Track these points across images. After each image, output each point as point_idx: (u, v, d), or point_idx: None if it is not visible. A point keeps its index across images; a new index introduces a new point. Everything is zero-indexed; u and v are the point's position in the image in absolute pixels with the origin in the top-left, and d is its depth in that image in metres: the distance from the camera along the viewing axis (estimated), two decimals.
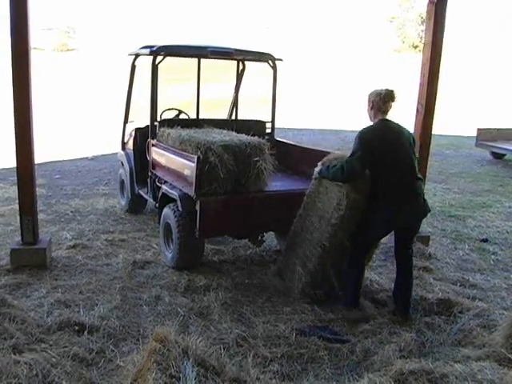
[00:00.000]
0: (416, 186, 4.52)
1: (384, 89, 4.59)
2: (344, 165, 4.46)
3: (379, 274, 5.73)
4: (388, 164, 4.42)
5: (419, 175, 4.62)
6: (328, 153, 5.28)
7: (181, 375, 2.90)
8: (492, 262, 6.41)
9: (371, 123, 4.65)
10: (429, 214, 8.11)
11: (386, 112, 4.60)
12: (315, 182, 5.00)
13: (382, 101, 4.54)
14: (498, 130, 14.38)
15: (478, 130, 14.17)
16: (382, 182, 4.44)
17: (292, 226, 5.34)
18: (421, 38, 35.36)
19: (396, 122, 4.65)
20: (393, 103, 4.61)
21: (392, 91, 4.58)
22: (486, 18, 40.77)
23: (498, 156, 14.22)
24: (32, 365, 3.42)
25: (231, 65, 7.71)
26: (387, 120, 4.60)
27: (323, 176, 4.75)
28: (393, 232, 4.81)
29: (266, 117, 7.22)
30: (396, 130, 4.57)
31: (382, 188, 4.44)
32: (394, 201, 4.42)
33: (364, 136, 4.49)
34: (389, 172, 4.42)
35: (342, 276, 4.99)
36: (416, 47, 40.69)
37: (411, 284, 4.83)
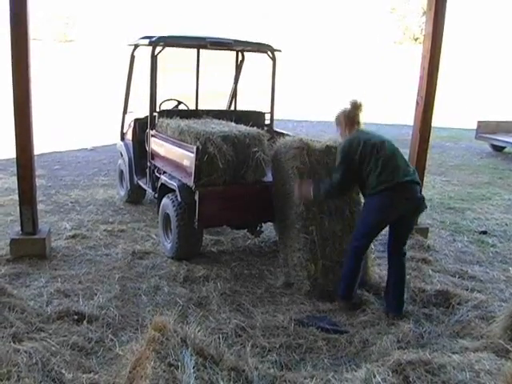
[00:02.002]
0: (410, 174, 4.46)
1: (348, 104, 4.68)
2: (331, 180, 4.58)
3: (378, 265, 5.73)
4: (375, 158, 4.40)
5: (412, 167, 4.61)
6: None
7: (179, 364, 2.91)
8: (491, 254, 6.42)
9: None
10: (428, 206, 8.18)
11: (358, 123, 4.66)
12: (272, 167, 5.37)
13: (347, 116, 4.65)
14: (497, 122, 14.36)
15: (478, 122, 14.15)
16: (374, 176, 4.40)
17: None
18: (422, 29, 35.24)
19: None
20: (361, 113, 4.67)
21: (356, 100, 4.67)
22: (486, 9, 40.63)
23: (498, 148, 14.21)
24: (32, 353, 3.43)
25: (230, 55, 7.69)
26: (363, 130, 4.66)
27: (317, 197, 4.74)
28: (387, 228, 4.76)
29: (265, 108, 7.20)
30: (374, 133, 4.64)
31: (375, 180, 4.40)
32: (388, 189, 4.37)
33: (343, 147, 4.55)
34: (378, 166, 4.38)
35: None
36: (417, 39, 40.57)
37: (404, 283, 4.73)
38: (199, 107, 7.35)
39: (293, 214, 5.10)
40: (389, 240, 4.79)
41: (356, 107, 4.66)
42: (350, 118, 4.65)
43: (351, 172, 4.49)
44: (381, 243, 6.44)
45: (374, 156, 4.40)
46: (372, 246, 6.25)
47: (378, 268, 5.61)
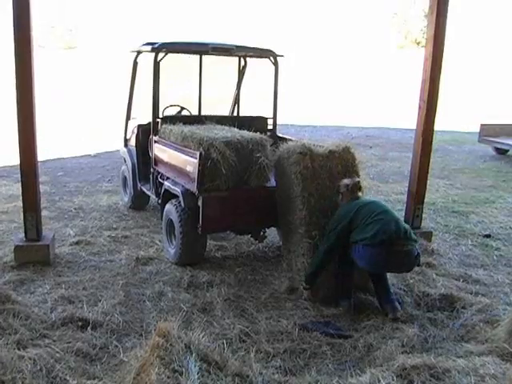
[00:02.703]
0: (406, 229, 4.58)
1: (350, 180, 4.93)
2: (321, 248, 4.74)
3: None
4: (365, 217, 4.55)
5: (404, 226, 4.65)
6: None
7: (183, 370, 2.92)
8: (495, 257, 6.40)
9: None
10: (432, 210, 8.17)
11: (357, 198, 4.88)
12: (275, 173, 5.50)
13: (351, 189, 4.87)
14: (501, 125, 14.34)
15: (481, 125, 14.12)
16: (370, 226, 4.48)
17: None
18: (424, 33, 35.24)
19: None
20: (360, 193, 4.92)
21: (358, 181, 4.92)
22: (488, 12, 40.64)
23: (501, 151, 14.17)
24: (36, 360, 3.44)
25: (233, 61, 7.71)
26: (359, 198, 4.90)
27: (311, 272, 4.84)
28: None
29: (267, 113, 7.21)
30: (367, 198, 4.99)
31: (371, 230, 4.45)
32: (385, 243, 4.42)
33: (338, 216, 4.74)
34: (368, 225, 4.49)
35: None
36: (419, 43, 40.55)
37: (386, 280, 4.84)
38: (202, 113, 7.37)
39: (296, 219, 5.10)
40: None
41: (355, 187, 4.90)
42: (348, 190, 4.89)
43: (340, 240, 4.64)
44: None
45: (365, 212, 4.58)
46: None
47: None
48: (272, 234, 6.65)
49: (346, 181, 4.95)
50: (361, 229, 4.50)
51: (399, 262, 4.57)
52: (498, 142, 13.81)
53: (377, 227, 4.42)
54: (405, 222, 6.65)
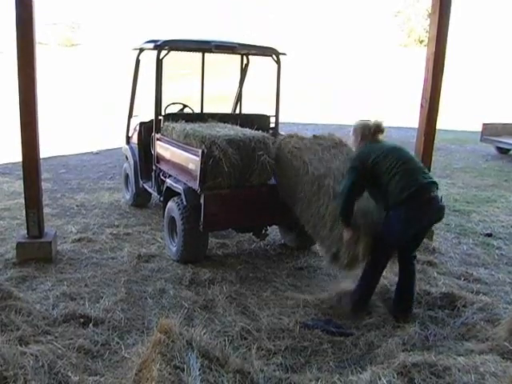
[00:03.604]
0: (430, 177, 4.41)
1: (373, 121, 4.60)
2: (341, 189, 4.42)
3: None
4: (392, 164, 4.29)
5: (428, 174, 4.49)
6: None
7: (185, 366, 2.93)
8: (496, 256, 6.41)
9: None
10: None
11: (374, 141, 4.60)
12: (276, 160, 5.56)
13: (370, 134, 4.57)
14: (503, 124, 14.32)
15: (483, 124, 14.12)
16: (394, 182, 4.26)
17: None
18: (427, 32, 35.20)
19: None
20: (381, 135, 4.62)
21: (381, 123, 4.59)
22: (491, 11, 40.54)
23: (503, 151, 14.17)
24: (38, 356, 3.45)
25: (235, 59, 7.71)
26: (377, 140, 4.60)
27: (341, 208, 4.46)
28: None
29: (270, 111, 7.22)
30: (385, 144, 4.54)
31: (396, 187, 4.25)
32: (412, 196, 4.23)
33: (355, 156, 4.56)
34: (397, 171, 4.26)
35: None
36: (422, 42, 40.43)
37: (414, 286, 4.73)
38: (204, 111, 7.37)
39: (307, 191, 5.06)
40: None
41: (378, 129, 4.59)
42: (366, 135, 4.58)
43: (362, 178, 4.36)
44: None
45: (390, 161, 4.30)
46: None
47: (384, 270, 5.59)
48: (273, 232, 6.65)
49: (367, 121, 4.64)
50: (388, 179, 4.26)
51: (432, 211, 4.42)
52: (500, 142, 13.82)
53: (404, 180, 4.23)
54: None
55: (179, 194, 5.67)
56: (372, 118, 4.70)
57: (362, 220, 4.51)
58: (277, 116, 7.20)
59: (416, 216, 4.32)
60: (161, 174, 6.49)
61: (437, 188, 4.43)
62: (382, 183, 4.33)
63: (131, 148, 7.63)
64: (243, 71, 7.84)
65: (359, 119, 4.75)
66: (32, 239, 5.71)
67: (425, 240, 6.30)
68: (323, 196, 4.88)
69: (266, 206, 5.59)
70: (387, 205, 4.36)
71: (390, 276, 5.39)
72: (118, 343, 4.07)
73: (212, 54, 7.06)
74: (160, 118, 6.47)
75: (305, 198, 5.14)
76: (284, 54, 6.93)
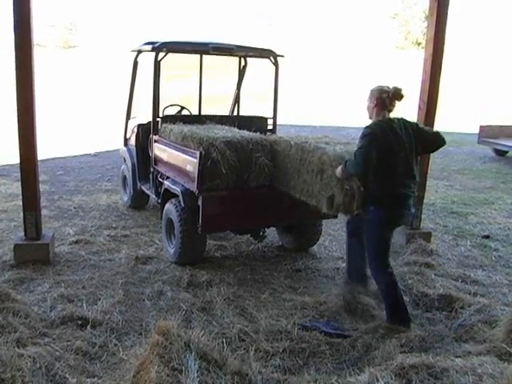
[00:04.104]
0: (409, 189, 4.39)
1: (392, 86, 4.34)
2: (356, 155, 4.20)
3: None
4: (385, 165, 4.24)
5: (415, 175, 4.45)
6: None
7: (183, 368, 2.92)
8: (493, 258, 6.42)
9: (370, 121, 4.43)
10: (431, 211, 8.19)
11: (390, 111, 4.39)
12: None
13: (388, 99, 4.32)
14: (500, 126, 14.37)
15: (481, 126, 14.16)
16: (378, 180, 4.29)
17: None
18: (424, 34, 35.23)
19: (399, 117, 4.45)
20: (397, 102, 4.38)
21: (401, 89, 4.33)
22: (488, 14, 40.65)
23: (501, 153, 14.21)
24: (36, 358, 3.45)
25: (233, 61, 7.71)
26: (390, 120, 4.36)
27: (348, 172, 4.35)
28: None
29: (267, 113, 7.22)
30: (398, 133, 4.29)
31: (382, 188, 4.30)
32: (394, 202, 4.32)
33: (370, 130, 4.25)
34: (385, 172, 4.26)
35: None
36: (419, 44, 40.56)
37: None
38: (202, 112, 7.38)
39: (294, 163, 5.20)
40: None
41: (398, 95, 4.33)
42: (384, 99, 4.33)
43: (371, 155, 4.16)
44: None
45: (392, 158, 4.24)
46: None
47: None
48: (271, 234, 6.66)
49: (383, 86, 4.35)
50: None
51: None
52: (498, 144, 13.85)
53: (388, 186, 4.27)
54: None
55: (177, 195, 5.66)
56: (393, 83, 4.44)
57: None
58: (274, 118, 7.19)
59: (395, 216, 4.48)
60: (159, 176, 6.49)
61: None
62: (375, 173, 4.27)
63: (129, 150, 7.63)
64: (241, 73, 7.85)
65: (377, 84, 4.48)
66: (30, 241, 5.70)
67: (422, 242, 6.36)
68: (307, 155, 5.00)
69: (264, 207, 5.59)
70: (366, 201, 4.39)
71: None
72: (115, 345, 4.07)
73: (210, 56, 7.06)
74: (158, 119, 6.46)
75: (295, 170, 5.20)
76: (282, 55, 6.94)
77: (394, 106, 4.39)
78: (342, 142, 5.15)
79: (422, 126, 4.59)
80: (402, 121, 4.43)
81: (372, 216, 4.39)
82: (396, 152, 4.25)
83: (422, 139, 4.46)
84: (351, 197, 4.44)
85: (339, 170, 4.41)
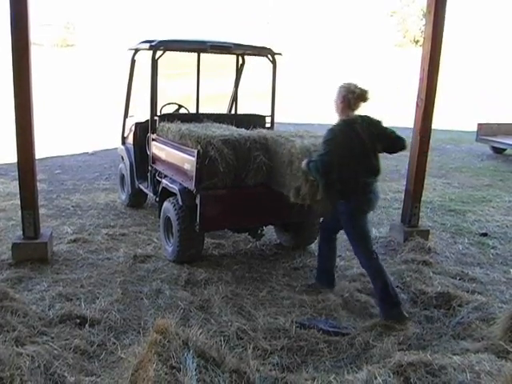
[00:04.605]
0: (370, 179, 4.67)
1: (358, 88, 4.51)
2: (316, 161, 4.49)
3: None
4: (346, 162, 4.46)
5: (377, 171, 4.73)
6: None
7: (181, 366, 2.92)
8: (491, 255, 6.42)
9: (337, 115, 4.67)
10: (429, 208, 8.19)
11: (354, 110, 4.57)
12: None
13: (353, 99, 4.49)
14: (498, 124, 14.38)
15: (479, 124, 14.16)
16: (341, 178, 4.51)
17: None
18: (422, 32, 35.21)
19: (363, 115, 4.61)
20: (362, 103, 4.56)
21: (366, 92, 4.52)
22: (486, 11, 40.65)
23: (499, 151, 14.22)
24: (34, 357, 3.45)
25: (231, 59, 7.71)
26: (353, 121, 4.54)
27: (308, 169, 4.66)
28: None
29: (265, 111, 7.22)
30: (359, 133, 4.49)
31: (340, 184, 4.55)
32: (359, 193, 4.59)
33: (330, 135, 4.51)
34: (347, 171, 4.50)
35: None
36: (417, 42, 40.55)
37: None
38: (200, 111, 7.37)
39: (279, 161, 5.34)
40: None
41: (363, 97, 4.52)
42: (349, 99, 4.51)
43: (334, 157, 4.43)
44: (381, 245, 6.49)
45: (354, 159, 4.49)
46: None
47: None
48: (269, 232, 6.66)
49: (353, 85, 4.53)
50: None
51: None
52: (496, 141, 13.86)
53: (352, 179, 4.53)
54: (402, 220, 6.73)
55: (175, 194, 5.66)
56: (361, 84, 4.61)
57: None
58: (272, 116, 7.20)
59: (363, 206, 4.73)
60: (156, 175, 6.49)
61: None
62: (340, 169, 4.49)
63: (127, 148, 7.62)
64: (239, 71, 7.84)
65: (346, 81, 4.64)
66: (28, 240, 5.70)
67: (420, 240, 6.37)
68: (279, 147, 5.31)
69: (261, 206, 5.59)
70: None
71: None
72: (114, 343, 4.07)
73: (207, 54, 7.06)
74: (155, 118, 6.46)
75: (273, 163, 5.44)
76: (279, 54, 6.94)
77: (358, 106, 4.56)
78: (316, 136, 5.37)
79: (385, 126, 4.72)
80: (366, 119, 4.60)
81: (343, 209, 4.66)
82: (357, 153, 4.48)
83: (383, 139, 4.64)
84: (316, 187, 4.78)
85: (304, 164, 4.71)
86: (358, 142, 4.47)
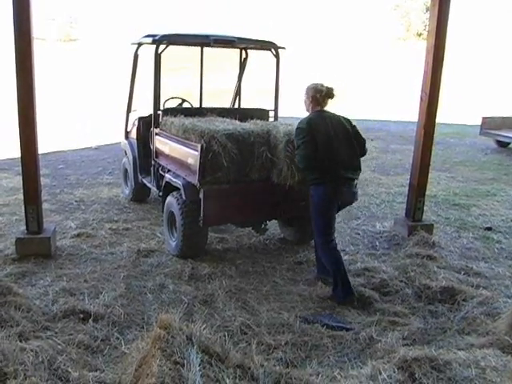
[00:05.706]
0: (347, 172, 4.85)
1: (324, 86, 4.96)
2: (298, 158, 4.86)
3: (383, 261, 5.74)
4: (323, 151, 4.73)
5: (356, 167, 4.96)
6: None
7: (185, 361, 2.91)
8: (496, 250, 6.40)
9: (307, 113, 5.08)
10: (433, 203, 8.17)
11: (324, 106, 5.01)
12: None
13: (321, 98, 4.96)
14: (502, 118, 14.29)
15: (483, 118, 14.08)
16: (319, 164, 4.75)
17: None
18: (425, 26, 35.05)
19: (332, 112, 5.03)
20: (329, 100, 5.01)
21: (331, 89, 4.97)
22: (490, 4, 40.44)
23: (503, 144, 14.15)
24: (38, 352, 3.44)
25: (234, 53, 7.68)
26: (323, 111, 4.99)
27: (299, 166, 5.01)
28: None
29: (269, 105, 7.19)
30: (331, 121, 4.92)
31: (319, 169, 4.77)
32: (332, 180, 4.77)
33: (302, 126, 4.86)
34: (324, 158, 4.74)
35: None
36: (420, 35, 40.37)
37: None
38: (203, 105, 7.35)
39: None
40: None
41: (329, 95, 4.97)
42: (318, 98, 4.97)
43: (312, 147, 4.74)
44: (385, 240, 6.47)
45: (327, 141, 4.76)
46: (377, 243, 6.29)
47: (384, 265, 5.59)
48: (273, 227, 6.65)
49: (320, 85, 5.01)
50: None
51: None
52: (500, 135, 13.79)
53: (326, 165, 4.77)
54: (406, 214, 6.71)
55: (178, 188, 5.65)
56: (326, 82, 5.08)
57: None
58: (276, 110, 7.18)
59: (333, 193, 4.86)
60: (160, 169, 6.48)
61: (355, 180, 5.02)
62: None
63: (130, 143, 7.62)
64: (242, 65, 7.81)
65: (313, 82, 5.12)
66: (31, 235, 5.70)
67: (424, 234, 6.36)
68: (267, 134, 5.57)
69: (265, 200, 5.57)
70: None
71: (390, 270, 5.40)
72: (117, 338, 4.07)
73: (211, 48, 7.03)
74: (159, 112, 6.44)
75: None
76: (283, 47, 6.91)
77: (326, 103, 5.02)
78: None
79: (357, 129, 5.09)
80: (341, 117, 5.04)
81: (313, 193, 4.87)
82: (328, 139, 4.78)
83: (356, 137, 5.03)
84: (296, 169, 5.13)
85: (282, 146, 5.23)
86: (327, 129, 4.81)
